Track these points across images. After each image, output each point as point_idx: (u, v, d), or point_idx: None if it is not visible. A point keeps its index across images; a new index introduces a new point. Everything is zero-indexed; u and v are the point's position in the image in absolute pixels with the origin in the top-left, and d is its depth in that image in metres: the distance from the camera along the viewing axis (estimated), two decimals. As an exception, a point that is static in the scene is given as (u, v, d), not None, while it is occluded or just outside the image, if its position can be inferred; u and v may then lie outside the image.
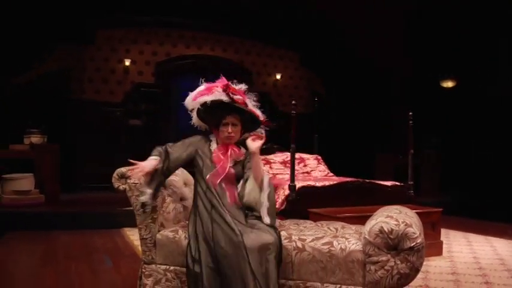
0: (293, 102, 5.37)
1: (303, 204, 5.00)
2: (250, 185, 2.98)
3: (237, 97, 3.07)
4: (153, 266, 3.11)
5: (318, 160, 7.36)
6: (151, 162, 3.02)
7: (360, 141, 11.75)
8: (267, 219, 2.92)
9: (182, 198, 3.46)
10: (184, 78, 9.95)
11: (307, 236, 2.88)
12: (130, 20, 10.80)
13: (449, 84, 10.99)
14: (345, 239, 2.81)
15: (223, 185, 3.02)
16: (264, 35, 11.87)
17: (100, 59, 10.78)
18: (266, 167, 6.78)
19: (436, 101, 10.94)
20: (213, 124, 3.13)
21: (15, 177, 7.63)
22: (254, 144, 2.95)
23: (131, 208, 3.22)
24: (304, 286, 2.79)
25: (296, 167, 6.12)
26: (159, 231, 3.15)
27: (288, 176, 5.51)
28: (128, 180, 3.14)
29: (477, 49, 10.05)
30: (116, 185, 3.18)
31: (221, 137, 3.09)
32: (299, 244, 2.81)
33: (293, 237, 2.87)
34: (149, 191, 3.02)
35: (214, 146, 3.14)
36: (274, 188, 5.40)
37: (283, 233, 2.91)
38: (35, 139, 8.15)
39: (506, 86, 9.68)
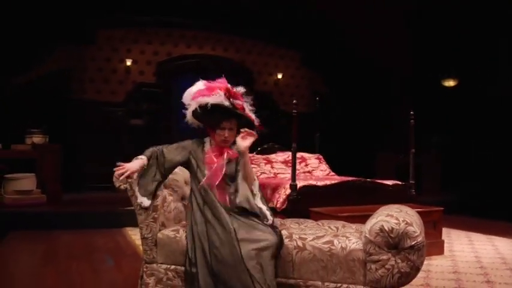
0: (294, 101, 5.37)
1: (304, 203, 5.01)
2: (241, 187, 3.00)
3: (236, 102, 3.09)
4: (154, 265, 3.12)
5: (319, 159, 7.37)
6: (138, 162, 3.07)
7: (361, 140, 11.75)
8: (270, 218, 2.95)
9: (183, 198, 3.46)
10: (185, 77, 9.86)
11: (307, 235, 2.88)
12: (132, 19, 10.80)
13: (450, 83, 10.98)
14: (345, 237, 2.81)
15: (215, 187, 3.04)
16: (265, 34, 11.86)
17: (101, 59, 10.78)
18: (267, 167, 6.79)
19: (438, 100, 10.94)
20: (209, 125, 3.13)
21: (17, 177, 7.64)
22: (243, 142, 2.93)
23: (132, 208, 3.23)
24: (304, 285, 2.79)
25: (297, 167, 6.12)
26: (160, 230, 3.16)
27: (289, 176, 5.51)
28: (129, 180, 3.14)
29: (478, 49, 10.04)
30: (116, 184, 3.18)
31: (217, 140, 3.10)
32: (300, 243, 2.82)
33: (294, 236, 2.88)
34: (140, 194, 3.08)
35: (207, 147, 3.16)
36: (275, 187, 5.47)
37: (284, 232, 2.92)
38: (37, 139, 8.16)
39: (506, 86, 9.67)
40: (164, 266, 3.09)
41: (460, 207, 8.28)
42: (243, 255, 2.70)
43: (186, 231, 3.05)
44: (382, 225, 2.60)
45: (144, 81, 11.04)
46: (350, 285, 2.71)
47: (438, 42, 10.37)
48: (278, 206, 5.22)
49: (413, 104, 8.36)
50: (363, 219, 3.27)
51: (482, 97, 10.17)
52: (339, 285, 2.73)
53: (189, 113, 3.13)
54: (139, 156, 3.11)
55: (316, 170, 7.09)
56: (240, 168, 3.02)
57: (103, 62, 10.79)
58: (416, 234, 2.56)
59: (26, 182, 7.64)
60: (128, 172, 3.02)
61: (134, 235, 6.12)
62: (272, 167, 6.80)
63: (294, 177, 5.14)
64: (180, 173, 3.49)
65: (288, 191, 5.15)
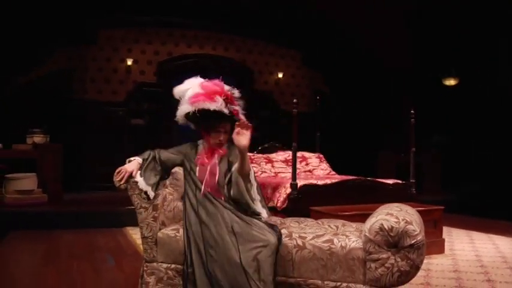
0: (294, 100, 5.37)
1: (305, 202, 5.02)
2: (234, 178, 2.98)
3: (234, 107, 3.11)
4: (155, 264, 3.12)
5: (320, 159, 7.37)
6: (133, 162, 3.17)
7: (362, 139, 11.75)
8: (264, 213, 2.98)
9: (183, 197, 3.46)
10: (186, 77, 9.86)
11: (307, 234, 2.88)
12: (132, 19, 10.81)
13: (451, 82, 10.98)
14: (345, 236, 2.81)
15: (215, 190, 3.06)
16: (265, 34, 11.87)
17: (102, 58, 10.80)
18: (268, 166, 6.80)
19: (438, 99, 10.93)
20: (204, 128, 3.14)
21: (18, 176, 7.64)
22: (242, 141, 2.83)
23: (133, 207, 3.24)
24: (304, 284, 2.79)
25: (298, 166, 6.13)
26: (160, 229, 3.16)
27: (289, 175, 5.52)
28: (130, 179, 3.17)
29: (478, 48, 10.03)
30: (117, 183, 3.20)
31: (211, 142, 3.12)
32: (299, 242, 2.82)
33: (294, 235, 2.88)
34: (145, 183, 3.12)
35: (200, 149, 3.19)
36: (276, 187, 5.48)
37: (283, 231, 2.92)
38: (38, 139, 8.16)
39: (507, 85, 9.67)
40: (164, 265, 3.10)
41: (461, 206, 8.28)
42: (240, 255, 2.71)
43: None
44: (382, 224, 2.60)
45: (145, 81, 11.06)
46: (350, 284, 2.71)
47: (438, 41, 10.36)
48: (278, 205, 5.22)
49: (413, 103, 8.34)
50: (363, 218, 3.27)
51: (482, 96, 10.17)
52: (338, 284, 2.73)
53: (181, 113, 3.15)
54: (134, 158, 3.20)
55: (316, 169, 7.09)
56: (236, 165, 3.01)
57: (104, 61, 10.81)
58: (416, 233, 2.56)
59: (27, 181, 7.65)
60: (127, 174, 3.11)
61: (135, 234, 6.13)
62: (273, 166, 6.80)
63: (294, 176, 5.14)
64: (180, 172, 3.49)
65: (289, 190, 5.16)
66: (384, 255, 2.61)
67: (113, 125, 10.60)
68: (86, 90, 10.61)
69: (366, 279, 2.68)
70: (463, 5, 9.32)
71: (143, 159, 3.20)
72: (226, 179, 3.05)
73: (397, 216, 2.62)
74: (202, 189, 3.04)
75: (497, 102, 9.92)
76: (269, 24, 11.48)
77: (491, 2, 9.14)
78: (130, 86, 10.94)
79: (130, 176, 3.14)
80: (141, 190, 3.15)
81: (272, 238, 2.76)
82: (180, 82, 3.30)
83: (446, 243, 5.33)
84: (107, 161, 9.15)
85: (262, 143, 7.59)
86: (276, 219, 3.29)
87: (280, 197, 5.27)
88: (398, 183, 5.82)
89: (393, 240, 2.58)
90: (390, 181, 5.82)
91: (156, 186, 3.19)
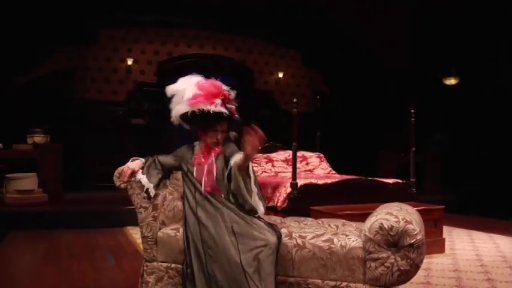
0: (294, 100, 5.37)
1: (305, 202, 5.02)
2: (233, 172, 2.97)
3: (231, 107, 3.13)
4: (155, 263, 3.13)
5: (320, 158, 7.37)
6: (137, 161, 3.21)
7: (362, 139, 11.75)
8: (260, 206, 2.96)
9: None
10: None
11: (307, 233, 2.88)
12: (132, 19, 10.82)
13: (452, 81, 10.97)
14: (345, 236, 2.81)
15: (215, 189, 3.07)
16: (265, 33, 11.87)
17: (102, 58, 10.80)
18: (268, 165, 6.80)
19: (439, 99, 10.93)
20: (201, 128, 3.15)
21: (18, 176, 7.65)
22: (253, 148, 2.80)
23: (133, 207, 3.25)
24: (304, 283, 2.79)
25: (298, 165, 6.13)
26: (160, 229, 3.17)
27: (290, 174, 5.51)
28: (131, 179, 3.18)
29: (479, 47, 10.03)
30: (117, 183, 3.21)
31: (209, 141, 3.14)
32: (299, 241, 2.82)
33: (293, 234, 2.88)
34: (144, 175, 3.15)
35: (197, 149, 3.21)
36: (276, 186, 5.48)
37: (283, 231, 2.92)
38: (38, 139, 8.17)
39: (507, 85, 9.66)
40: (165, 264, 3.10)
41: (461, 206, 8.28)
42: (240, 255, 2.71)
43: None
44: (382, 223, 2.60)
45: (145, 80, 11.06)
46: (350, 283, 2.71)
47: (438, 40, 10.36)
48: (279, 204, 5.22)
49: (414, 102, 8.33)
50: (363, 217, 3.27)
51: (483, 96, 10.17)
52: (338, 283, 2.73)
53: (177, 114, 3.18)
54: (137, 158, 3.24)
55: (317, 169, 7.09)
56: (236, 160, 3.00)
57: (104, 61, 10.83)
58: (415, 232, 2.56)
59: (28, 181, 7.66)
60: (130, 171, 3.15)
61: (135, 234, 6.13)
62: (273, 166, 6.81)
63: (294, 175, 5.14)
64: (180, 172, 3.50)
65: (289, 190, 5.15)
66: (384, 255, 2.61)
67: (113, 125, 10.62)
68: (86, 90, 10.62)
69: (366, 279, 2.68)
70: (463, 4, 9.31)
71: (145, 160, 3.23)
72: (226, 173, 3.05)
73: (397, 215, 2.62)
74: (203, 190, 3.04)
75: (497, 101, 9.92)
76: (269, 24, 11.48)
77: (492, 1, 9.14)
78: (130, 86, 10.95)
79: (133, 174, 3.15)
80: (141, 190, 3.15)
81: (272, 238, 2.76)
82: (180, 82, 3.31)
83: (446, 243, 5.33)
84: (107, 160, 9.15)
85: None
86: (275, 219, 3.29)
87: (281, 196, 5.27)
88: (399, 182, 5.81)
89: (393, 240, 2.58)
90: (390, 180, 5.81)
91: (158, 185, 3.20)
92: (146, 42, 11.16)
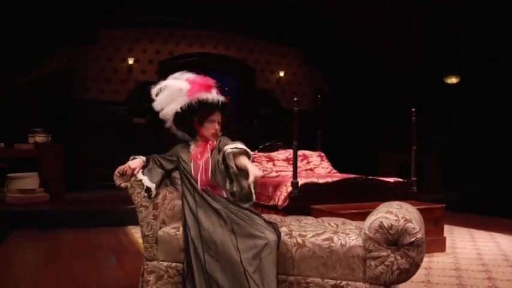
0: (295, 99, 5.37)
1: (306, 200, 5.02)
2: (228, 159, 2.99)
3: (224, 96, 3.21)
4: (155, 262, 3.13)
5: (321, 157, 7.37)
6: (137, 160, 3.22)
7: (363, 138, 11.74)
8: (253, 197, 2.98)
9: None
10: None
11: (307, 232, 2.88)
12: (133, 19, 10.81)
13: (453, 80, 10.96)
14: (345, 234, 2.81)
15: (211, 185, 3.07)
16: (266, 32, 11.86)
17: (103, 58, 10.81)
18: (269, 164, 6.79)
19: (440, 98, 10.92)
20: (197, 119, 3.15)
21: (19, 176, 7.67)
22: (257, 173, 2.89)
23: (135, 206, 3.26)
24: (304, 282, 2.80)
25: (299, 164, 6.13)
26: (160, 228, 3.18)
27: (290, 173, 5.51)
28: (132, 178, 3.19)
29: (480, 46, 10.02)
30: (117, 182, 3.22)
31: (206, 134, 3.16)
32: (299, 240, 2.82)
33: (293, 233, 2.88)
34: (145, 177, 3.17)
35: (192, 147, 3.21)
36: (277, 185, 5.48)
37: (283, 229, 2.92)
38: (40, 138, 8.19)
39: (508, 85, 9.65)
40: (165, 263, 3.11)
41: (463, 205, 8.27)
42: (240, 255, 2.71)
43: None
44: (382, 222, 2.60)
45: (146, 80, 11.01)
46: (350, 282, 2.72)
47: (439, 39, 10.35)
48: (279, 203, 5.22)
49: (414, 101, 8.32)
50: (364, 216, 3.27)
51: (484, 95, 10.15)
52: (338, 281, 2.74)
53: (170, 112, 3.19)
54: (138, 156, 3.26)
55: (318, 168, 7.09)
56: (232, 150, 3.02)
57: (105, 61, 10.83)
58: (415, 230, 2.56)
59: (29, 181, 7.68)
60: (130, 171, 3.17)
61: (136, 233, 6.13)
62: (274, 165, 6.80)
63: (295, 174, 5.14)
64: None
65: (290, 189, 5.15)
66: (384, 253, 2.62)
67: (115, 124, 10.62)
68: (88, 89, 10.63)
69: (366, 277, 2.68)
70: (464, 3, 9.30)
71: (146, 159, 3.24)
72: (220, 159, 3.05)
73: (397, 214, 2.62)
74: (199, 187, 3.04)
75: (498, 101, 9.90)
76: (270, 23, 11.47)
77: (493, 0, 9.12)
78: (131, 86, 10.95)
79: (132, 174, 3.16)
80: (141, 189, 3.16)
81: (272, 236, 2.76)
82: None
83: (447, 242, 5.33)
84: (108, 160, 9.11)
85: (263, 142, 7.58)
86: (276, 217, 3.29)
87: (281, 195, 5.27)
88: (399, 181, 5.80)
89: (393, 238, 2.58)
90: (391, 179, 5.81)
91: (159, 185, 3.21)
92: (147, 42, 11.16)
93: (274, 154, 7.08)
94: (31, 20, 9.16)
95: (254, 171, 2.88)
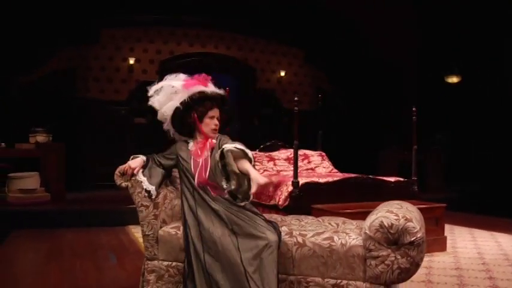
0: (295, 98, 5.37)
1: (307, 200, 5.01)
2: (227, 157, 2.98)
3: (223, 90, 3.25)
4: (156, 262, 3.14)
5: (322, 157, 7.36)
6: (137, 159, 3.21)
7: (364, 137, 11.74)
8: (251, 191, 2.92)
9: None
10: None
11: (308, 231, 2.88)
12: (134, 19, 10.82)
13: (454, 79, 10.95)
14: (345, 234, 2.81)
15: (208, 183, 3.05)
16: (267, 32, 11.86)
17: (104, 58, 10.82)
18: (270, 164, 6.79)
19: (441, 97, 10.91)
20: (196, 115, 3.16)
21: (21, 175, 7.68)
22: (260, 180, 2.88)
23: (135, 205, 3.26)
24: (305, 281, 2.80)
25: (300, 164, 6.13)
26: (161, 227, 3.17)
27: (291, 173, 5.50)
28: (132, 178, 3.19)
29: (482, 46, 10.01)
30: (118, 182, 3.22)
31: (206, 130, 3.16)
32: (300, 239, 2.82)
33: (294, 232, 2.88)
34: (148, 183, 3.14)
35: (191, 144, 3.21)
36: (278, 184, 5.47)
37: (284, 229, 2.92)
38: (41, 138, 8.19)
39: (510, 84, 9.64)
40: (166, 262, 3.11)
41: (464, 204, 8.26)
42: (241, 255, 2.71)
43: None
44: (382, 221, 2.60)
45: (147, 79, 10.96)
46: (350, 281, 2.72)
47: (441, 39, 10.34)
48: (280, 203, 5.22)
49: (416, 100, 8.33)
50: (364, 215, 3.26)
51: (486, 93, 10.15)
52: (339, 281, 2.74)
53: (170, 108, 3.20)
54: (138, 155, 3.25)
55: (319, 167, 7.08)
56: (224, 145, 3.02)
57: (106, 61, 10.84)
58: (415, 230, 2.56)
59: (30, 180, 7.68)
60: (130, 171, 3.15)
61: (137, 233, 6.13)
62: (275, 164, 6.79)
63: (296, 174, 5.13)
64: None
65: (290, 188, 5.14)
66: (384, 253, 2.61)
67: (116, 124, 10.64)
68: (89, 89, 10.64)
69: (366, 277, 2.68)
70: (466, 2, 9.29)
71: (146, 158, 3.23)
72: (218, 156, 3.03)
73: (397, 213, 2.62)
74: (196, 183, 3.04)
75: (499, 100, 9.89)
76: (271, 23, 11.47)
77: (494, 0, 9.12)
78: (132, 85, 10.95)
79: (133, 174, 3.16)
80: (142, 188, 3.16)
81: (272, 236, 2.76)
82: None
83: (448, 241, 5.32)
84: (109, 159, 9.14)
85: (264, 141, 7.58)
86: (276, 217, 3.29)
87: (282, 195, 5.26)
88: (400, 181, 5.80)
89: (393, 238, 2.58)
90: (392, 179, 5.80)
91: (159, 185, 3.21)
92: (148, 42, 11.17)
93: (275, 154, 7.07)
94: (32, 20, 9.17)
95: (257, 178, 2.85)
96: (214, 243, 2.80)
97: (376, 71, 11.62)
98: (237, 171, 2.93)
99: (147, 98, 3.40)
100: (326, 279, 2.76)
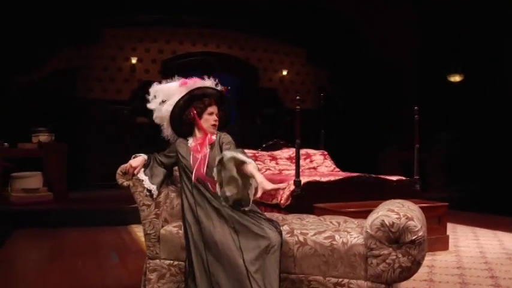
0: (297, 97, 5.37)
1: (309, 199, 5.01)
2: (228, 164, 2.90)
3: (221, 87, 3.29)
4: (157, 261, 3.14)
5: (324, 155, 7.36)
6: (139, 158, 3.22)
7: (366, 136, 11.73)
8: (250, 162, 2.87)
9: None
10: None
11: (309, 230, 2.88)
12: (136, 18, 10.84)
13: (456, 78, 10.93)
14: (346, 232, 2.81)
15: (206, 178, 3.03)
16: (270, 31, 11.86)
17: (107, 57, 10.84)
18: (272, 163, 6.80)
19: (443, 96, 10.89)
20: (195, 111, 3.18)
21: (23, 175, 7.70)
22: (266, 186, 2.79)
23: (137, 205, 3.26)
24: (306, 280, 2.79)
25: (302, 163, 6.13)
26: (162, 226, 3.18)
27: (293, 172, 5.50)
28: (134, 177, 3.20)
29: (484, 45, 9.99)
30: (119, 181, 3.23)
31: (205, 126, 3.17)
32: (301, 238, 2.82)
33: (295, 231, 2.87)
34: (146, 177, 3.17)
35: (191, 141, 3.22)
36: (279, 184, 5.46)
37: (285, 228, 2.91)
38: (43, 138, 8.21)
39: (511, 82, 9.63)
40: (167, 261, 3.11)
41: (466, 203, 8.24)
42: (243, 254, 2.70)
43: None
44: (383, 220, 2.60)
45: (150, 79, 10.97)
46: (351, 280, 2.71)
47: (443, 38, 10.32)
48: (282, 202, 5.22)
49: (419, 99, 8.32)
50: (366, 214, 3.25)
51: (488, 92, 10.13)
52: (340, 280, 2.73)
53: (166, 111, 3.24)
54: (140, 154, 3.26)
55: (321, 166, 7.08)
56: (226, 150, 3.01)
57: (108, 60, 10.86)
58: (417, 228, 2.55)
59: (33, 180, 7.70)
60: (132, 170, 3.17)
61: (139, 232, 6.13)
62: (277, 164, 6.80)
63: (297, 173, 5.13)
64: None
65: (292, 187, 5.15)
66: (385, 251, 2.61)
67: (118, 124, 10.66)
68: (91, 88, 10.66)
69: (368, 275, 2.68)
70: (467, 1, 9.27)
71: (148, 157, 3.24)
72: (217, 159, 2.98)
73: (398, 212, 2.62)
74: (194, 176, 3.03)
75: (502, 99, 9.87)
76: (273, 22, 11.47)
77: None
78: (135, 85, 10.97)
79: (134, 173, 3.17)
80: (143, 187, 3.17)
81: (274, 235, 2.75)
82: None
83: (450, 240, 5.31)
84: (111, 159, 9.15)
85: (266, 141, 7.59)
86: (278, 216, 3.29)
87: (284, 194, 5.26)
88: (402, 179, 5.80)
89: (394, 236, 2.58)
90: (394, 178, 5.80)
91: (161, 185, 3.22)
92: (150, 41, 11.19)
93: (277, 153, 7.08)
94: (33, 20, 9.19)
95: (263, 183, 2.75)
96: (214, 243, 2.80)
97: (376, 70, 11.60)
98: (236, 176, 2.84)
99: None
100: (327, 278, 2.76)
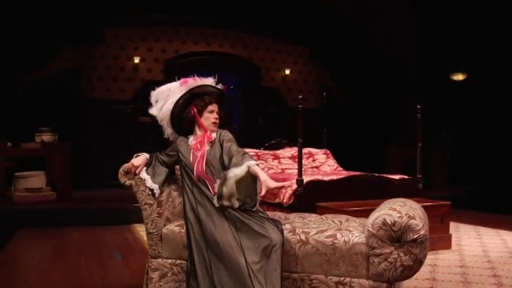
0: (300, 96, 5.36)
1: (311, 198, 5.01)
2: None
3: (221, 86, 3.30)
4: (160, 260, 3.15)
5: (327, 155, 7.36)
6: (141, 157, 3.23)
7: (369, 135, 11.72)
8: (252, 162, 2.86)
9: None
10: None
11: (311, 229, 2.88)
12: (139, 18, 10.86)
13: (459, 77, 10.91)
14: (348, 231, 2.81)
15: (205, 176, 3.03)
16: (272, 30, 11.86)
17: (109, 57, 10.85)
18: (275, 162, 6.80)
19: (446, 95, 10.88)
20: (196, 108, 3.19)
21: (27, 174, 7.72)
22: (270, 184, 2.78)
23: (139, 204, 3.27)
24: (308, 279, 2.80)
25: (305, 162, 6.12)
26: (164, 225, 3.19)
27: (296, 171, 5.50)
28: (136, 176, 3.21)
29: (486, 44, 9.96)
30: (122, 180, 3.23)
31: (206, 124, 3.18)
32: (303, 237, 2.82)
33: (297, 230, 2.88)
34: (148, 176, 3.18)
35: (191, 139, 3.22)
36: (282, 182, 5.46)
37: (287, 226, 2.92)
38: (46, 137, 8.23)
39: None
40: (169, 260, 3.12)
41: (469, 202, 8.23)
42: (244, 254, 2.70)
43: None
44: (385, 219, 2.60)
45: (152, 78, 11.06)
46: (353, 279, 2.71)
47: (446, 37, 10.30)
48: (285, 201, 5.22)
49: (421, 98, 8.31)
50: (369, 213, 3.25)
51: (492, 91, 10.11)
52: (342, 278, 2.73)
53: (166, 110, 3.27)
54: (142, 153, 3.26)
55: (323, 165, 7.08)
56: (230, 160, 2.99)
57: (111, 60, 10.87)
58: (418, 227, 2.55)
59: (36, 179, 7.73)
60: (134, 169, 3.18)
61: (142, 231, 6.15)
62: (279, 163, 6.80)
63: (300, 172, 5.13)
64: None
65: (295, 186, 5.15)
66: (387, 250, 2.61)
67: (121, 123, 10.67)
68: (94, 88, 10.68)
69: (369, 274, 2.68)
70: (471, 0, 9.25)
71: (150, 157, 3.25)
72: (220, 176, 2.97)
73: (400, 211, 2.62)
74: (195, 174, 3.04)
75: (506, 97, 9.84)
76: (276, 21, 11.47)
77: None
78: (137, 84, 10.99)
79: (136, 172, 3.18)
80: (146, 187, 3.18)
81: (275, 235, 2.76)
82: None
83: (453, 239, 5.30)
84: (114, 158, 9.17)
85: (269, 140, 7.59)
86: (280, 215, 3.29)
87: (287, 193, 5.26)
88: (405, 178, 5.79)
89: (396, 235, 2.58)
90: (396, 176, 5.79)
91: (163, 184, 3.23)
92: (153, 41, 11.19)
93: (279, 152, 7.08)
94: (36, 20, 9.22)
95: (267, 182, 2.74)
96: (216, 243, 2.80)
97: (379, 69, 11.60)
98: (236, 192, 2.84)
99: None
100: (329, 277, 2.76)
